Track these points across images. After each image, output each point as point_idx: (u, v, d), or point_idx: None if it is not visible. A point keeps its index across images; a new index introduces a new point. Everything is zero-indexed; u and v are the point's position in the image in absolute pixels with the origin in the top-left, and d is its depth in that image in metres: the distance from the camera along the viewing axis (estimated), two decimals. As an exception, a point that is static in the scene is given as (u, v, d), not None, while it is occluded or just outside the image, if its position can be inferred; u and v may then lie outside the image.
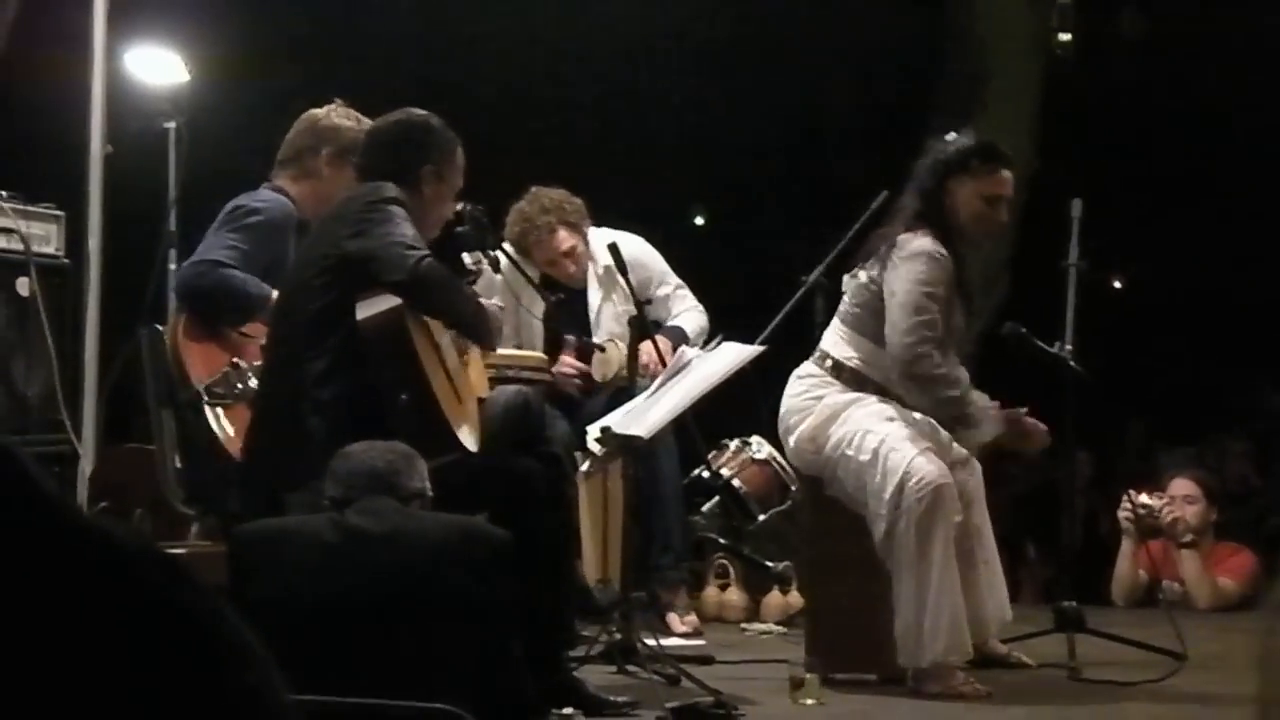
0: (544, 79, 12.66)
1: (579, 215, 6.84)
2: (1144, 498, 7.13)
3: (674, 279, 7.00)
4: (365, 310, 4.72)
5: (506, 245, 6.39)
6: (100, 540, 0.86)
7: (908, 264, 5.50)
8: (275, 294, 5.24)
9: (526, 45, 12.13)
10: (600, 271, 6.89)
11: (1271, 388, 11.75)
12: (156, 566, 0.87)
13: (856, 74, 12.60)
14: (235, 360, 5.31)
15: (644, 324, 6.01)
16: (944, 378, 5.51)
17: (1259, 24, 11.80)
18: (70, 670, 0.81)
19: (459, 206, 5.31)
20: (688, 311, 6.96)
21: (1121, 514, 7.13)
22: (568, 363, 6.85)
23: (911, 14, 11.91)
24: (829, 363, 5.71)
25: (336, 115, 5.69)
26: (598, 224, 6.98)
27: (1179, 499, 7.22)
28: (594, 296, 6.94)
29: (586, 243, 6.87)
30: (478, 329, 5.02)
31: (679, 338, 6.70)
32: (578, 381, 6.83)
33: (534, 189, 6.86)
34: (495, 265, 5.70)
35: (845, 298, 5.80)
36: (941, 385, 5.51)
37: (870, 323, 5.63)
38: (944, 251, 5.52)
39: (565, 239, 6.79)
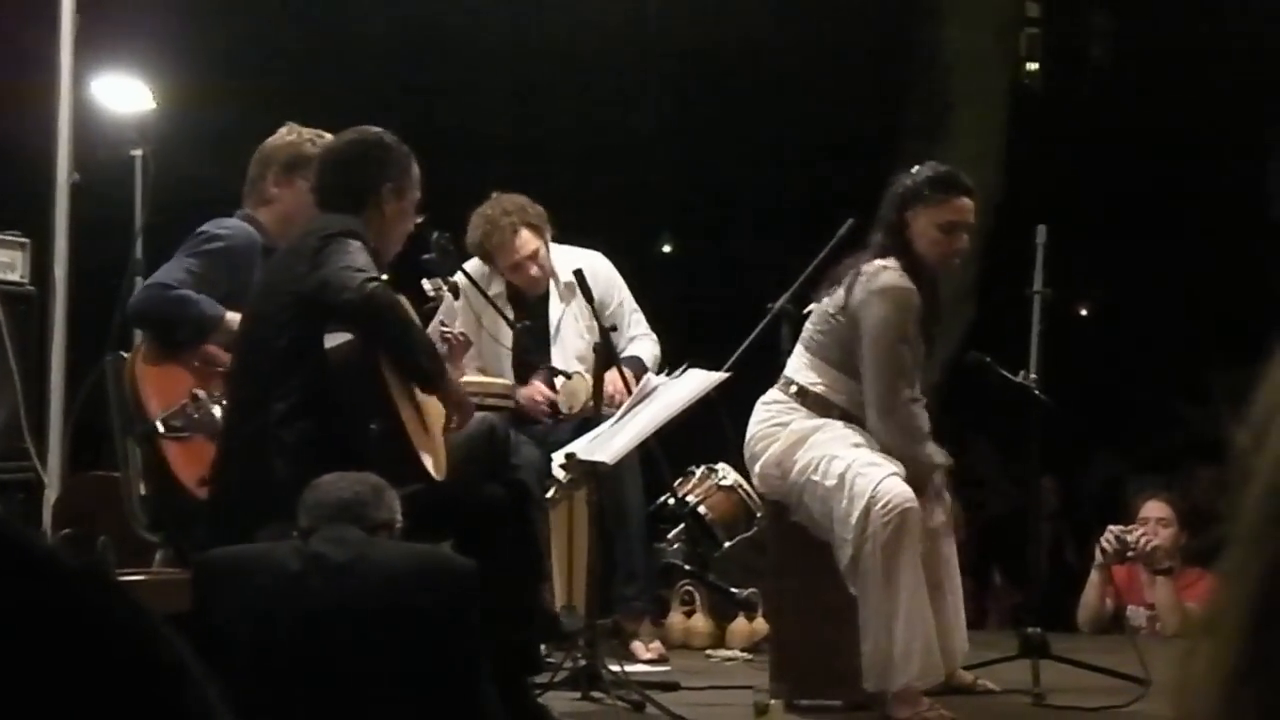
0: (510, 109, 12.67)
1: (540, 219, 6.82)
2: (1118, 528, 7.12)
3: (630, 300, 7.00)
4: (334, 340, 4.71)
5: (467, 266, 6.39)
6: (33, 554, 0.86)
7: (878, 304, 5.50)
8: (231, 315, 5.25)
9: (492, 79, 12.15)
10: (562, 287, 6.88)
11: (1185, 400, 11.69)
12: (92, 584, 0.87)
13: (824, 101, 12.64)
14: (195, 391, 5.28)
15: (610, 351, 6.00)
16: (925, 437, 5.54)
17: (1225, 52, 11.88)
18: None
19: (429, 230, 5.32)
20: (640, 339, 6.95)
21: (1104, 542, 7.09)
22: (538, 389, 6.81)
23: (880, 41, 11.94)
24: (794, 389, 5.71)
25: (278, 137, 5.73)
26: (559, 242, 6.99)
27: (1153, 521, 7.22)
28: (555, 310, 6.93)
29: (548, 248, 6.86)
30: (428, 366, 4.81)
31: (638, 368, 6.70)
32: (546, 409, 6.81)
33: (495, 194, 6.87)
34: (455, 292, 5.70)
35: (809, 325, 5.80)
36: (923, 444, 5.54)
37: (835, 350, 5.63)
38: (910, 284, 5.53)
39: (528, 240, 6.77)
